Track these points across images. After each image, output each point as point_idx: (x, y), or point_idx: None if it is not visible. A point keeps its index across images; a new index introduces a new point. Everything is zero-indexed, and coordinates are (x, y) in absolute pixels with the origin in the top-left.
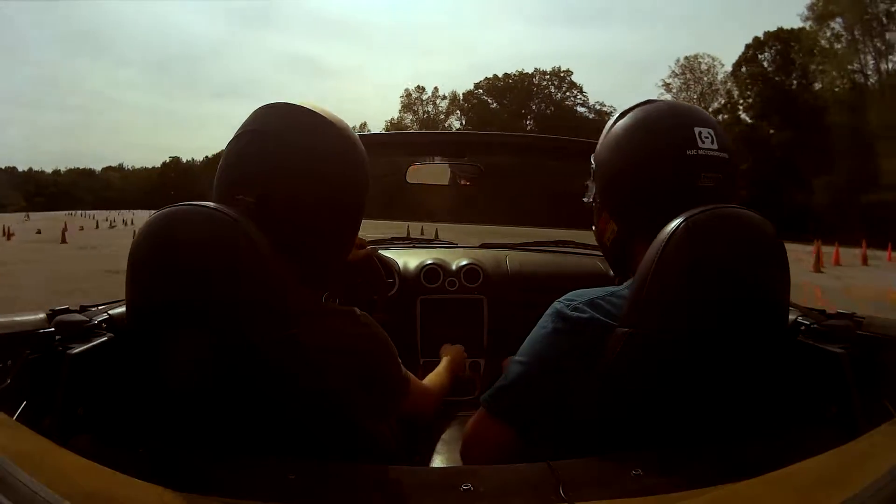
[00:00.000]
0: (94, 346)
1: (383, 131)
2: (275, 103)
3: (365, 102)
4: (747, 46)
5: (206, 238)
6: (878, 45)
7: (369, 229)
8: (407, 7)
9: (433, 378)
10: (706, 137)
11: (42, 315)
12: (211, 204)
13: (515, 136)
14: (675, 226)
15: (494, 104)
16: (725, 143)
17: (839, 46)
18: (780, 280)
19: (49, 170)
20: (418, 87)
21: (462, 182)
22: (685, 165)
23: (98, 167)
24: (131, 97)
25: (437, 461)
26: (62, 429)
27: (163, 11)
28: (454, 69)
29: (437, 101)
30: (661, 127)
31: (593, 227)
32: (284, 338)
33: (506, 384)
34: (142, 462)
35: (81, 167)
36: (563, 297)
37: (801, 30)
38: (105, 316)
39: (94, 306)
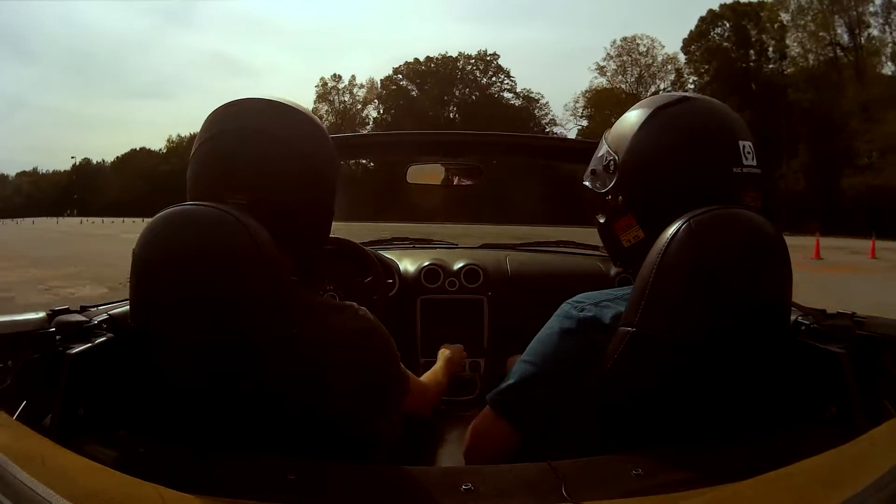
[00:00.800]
0: (94, 346)
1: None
2: (247, 99)
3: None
4: (701, 20)
5: (208, 237)
6: (853, 15)
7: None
8: (329, 6)
9: (430, 376)
10: (748, 153)
11: (43, 315)
12: (212, 203)
13: (514, 136)
14: (678, 226)
15: (415, 90)
16: (758, 157)
17: (807, 19)
18: (781, 280)
19: None
20: (334, 75)
21: (457, 182)
22: (730, 183)
23: (12, 172)
24: (46, 99)
25: (438, 461)
26: (62, 429)
27: (75, 9)
28: (376, 65)
29: (354, 91)
30: (707, 135)
31: (600, 220)
32: (287, 337)
33: (513, 383)
34: (142, 462)
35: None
36: (571, 299)
37: (761, 3)
38: (105, 316)
39: (94, 306)
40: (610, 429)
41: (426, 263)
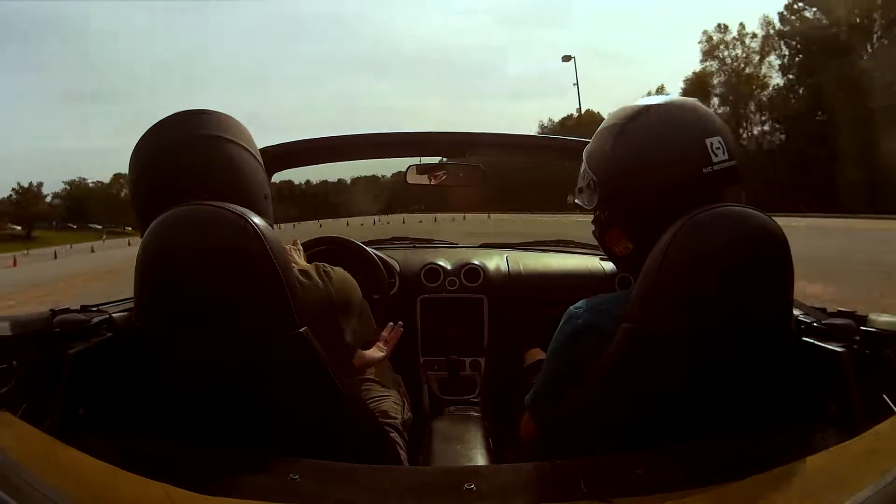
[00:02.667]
0: (93, 345)
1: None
2: (170, 116)
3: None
4: None
5: (215, 237)
6: None
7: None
8: None
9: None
10: (717, 148)
11: (44, 315)
12: (218, 203)
13: (519, 136)
14: (680, 225)
15: (823, 19)
16: (733, 147)
17: None
18: (782, 278)
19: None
20: (720, 26)
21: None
22: (703, 185)
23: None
24: (427, 104)
25: (438, 460)
26: (63, 428)
27: (453, 26)
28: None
29: (746, 41)
30: (673, 142)
31: (595, 233)
32: (295, 335)
33: (538, 389)
34: (146, 461)
35: (368, 175)
36: (573, 305)
37: None
38: (105, 316)
39: (94, 307)
40: (612, 426)
41: (426, 263)
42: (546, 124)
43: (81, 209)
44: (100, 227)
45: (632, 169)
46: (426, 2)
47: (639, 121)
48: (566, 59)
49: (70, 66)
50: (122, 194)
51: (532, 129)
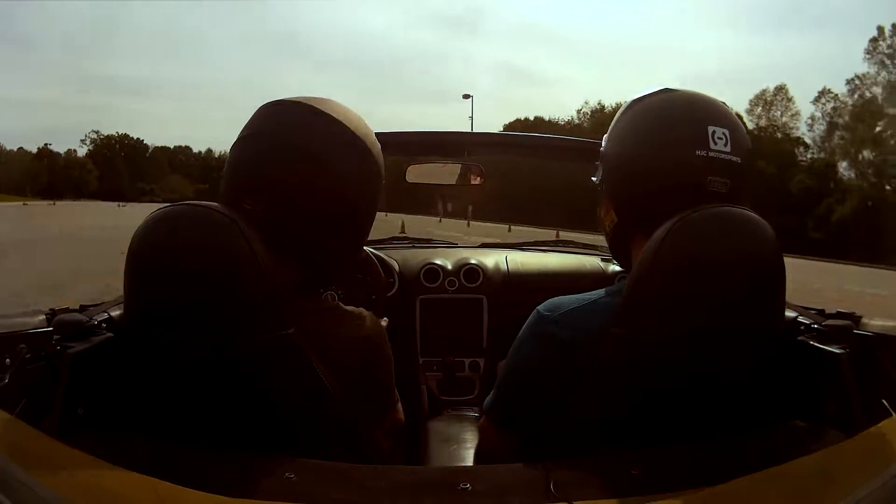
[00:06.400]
0: (93, 345)
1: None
2: (281, 101)
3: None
4: None
5: (200, 237)
6: None
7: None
8: (617, 16)
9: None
10: (720, 138)
11: (42, 314)
12: (210, 204)
13: (519, 136)
14: (670, 225)
15: None
16: (742, 146)
17: None
18: (775, 279)
19: None
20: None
21: (473, 181)
22: (692, 165)
23: None
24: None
25: (435, 461)
26: (62, 428)
27: (363, 17)
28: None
29: None
30: (673, 120)
31: (600, 212)
32: (279, 337)
33: (497, 393)
34: (141, 460)
35: None
36: (542, 305)
37: None
38: (105, 315)
39: (94, 306)
40: (606, 430)
41: (426, 263)
42: None
43: None
44: None
45: (629, 138)
46: None
47: (650, 99)
48: (466, 97)
49: None
50: None
51: None
